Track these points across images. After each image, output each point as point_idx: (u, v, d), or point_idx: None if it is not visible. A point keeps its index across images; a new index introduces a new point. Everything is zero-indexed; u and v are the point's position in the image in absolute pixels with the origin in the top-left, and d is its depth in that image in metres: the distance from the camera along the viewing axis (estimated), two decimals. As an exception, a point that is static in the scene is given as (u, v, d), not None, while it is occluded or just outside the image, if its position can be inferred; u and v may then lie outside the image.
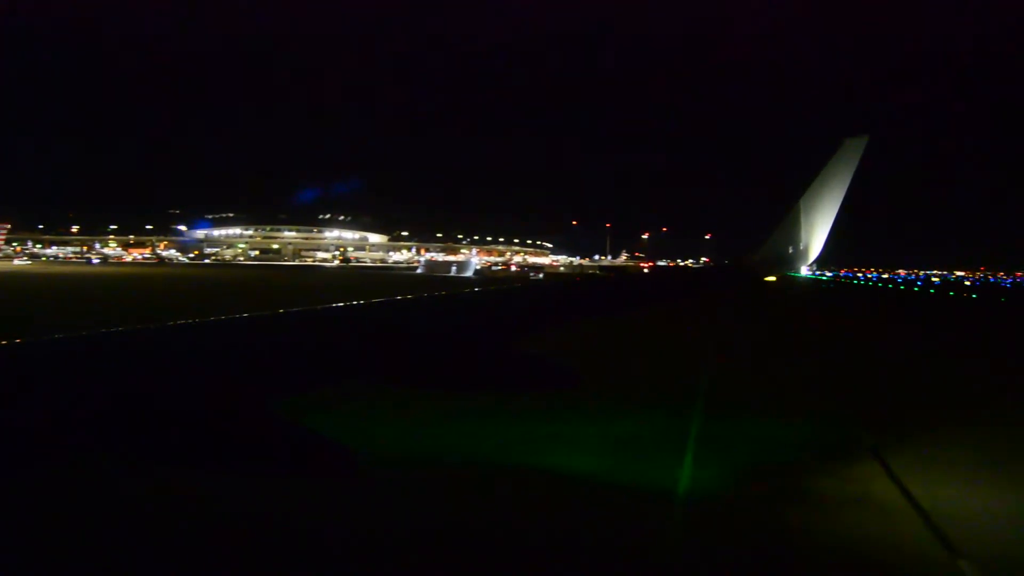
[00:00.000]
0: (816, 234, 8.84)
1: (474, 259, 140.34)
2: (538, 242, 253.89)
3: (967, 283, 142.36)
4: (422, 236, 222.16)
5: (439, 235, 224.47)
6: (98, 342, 3.74)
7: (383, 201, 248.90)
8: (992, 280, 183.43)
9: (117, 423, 3.05)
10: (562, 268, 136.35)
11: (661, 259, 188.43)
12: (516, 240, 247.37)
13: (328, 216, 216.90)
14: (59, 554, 7.89)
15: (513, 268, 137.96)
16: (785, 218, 8.91)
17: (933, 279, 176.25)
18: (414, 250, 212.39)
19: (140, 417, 3.11)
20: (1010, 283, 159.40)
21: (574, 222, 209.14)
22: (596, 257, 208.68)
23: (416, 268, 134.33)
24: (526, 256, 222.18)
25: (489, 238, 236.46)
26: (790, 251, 8.92)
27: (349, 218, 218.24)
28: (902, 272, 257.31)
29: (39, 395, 2.99)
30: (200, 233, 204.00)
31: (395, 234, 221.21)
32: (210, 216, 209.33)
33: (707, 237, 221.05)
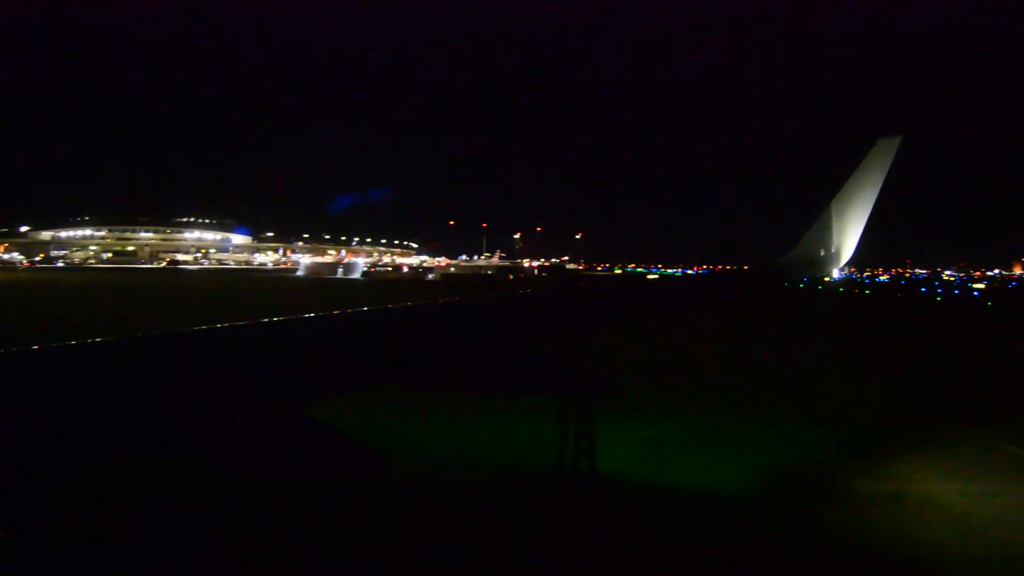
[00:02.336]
0: (848, 236, 8.76)
1: (360, 260, 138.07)
2: (404, 242, 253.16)
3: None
4: (288, 237, 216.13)
5: (305, 236, 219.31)
6: (131, 346, 3.89)
7: (247, 202, 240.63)
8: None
9: (152, 425, 3.16)
10: (452, 269, 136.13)
11: (535, 259, 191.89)
12: (383, 240, 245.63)
13: (192, 219, 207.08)
14: (95, 552, 8.28)
15: (405, 269, 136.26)
16: (816, 220, 8.82)
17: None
18: (280, 251, 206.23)
19: (172, 420, 3.22)
20: None
21: (451, 222, 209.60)
22: (463, 256, 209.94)
23: (295, 270, 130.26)
24: (393, 256, 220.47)
25: (356, 238, 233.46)
26: (821, 254, 8.81)
27: (213, 221, 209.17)
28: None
29: (78, 394, 3.10)
30: (46, 235, 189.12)
31: (260, 235, 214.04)
32: (62, 218, 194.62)
33: (577, 236, 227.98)
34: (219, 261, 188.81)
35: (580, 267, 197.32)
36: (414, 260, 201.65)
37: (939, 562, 8.74)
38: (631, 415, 15.20)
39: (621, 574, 8.30)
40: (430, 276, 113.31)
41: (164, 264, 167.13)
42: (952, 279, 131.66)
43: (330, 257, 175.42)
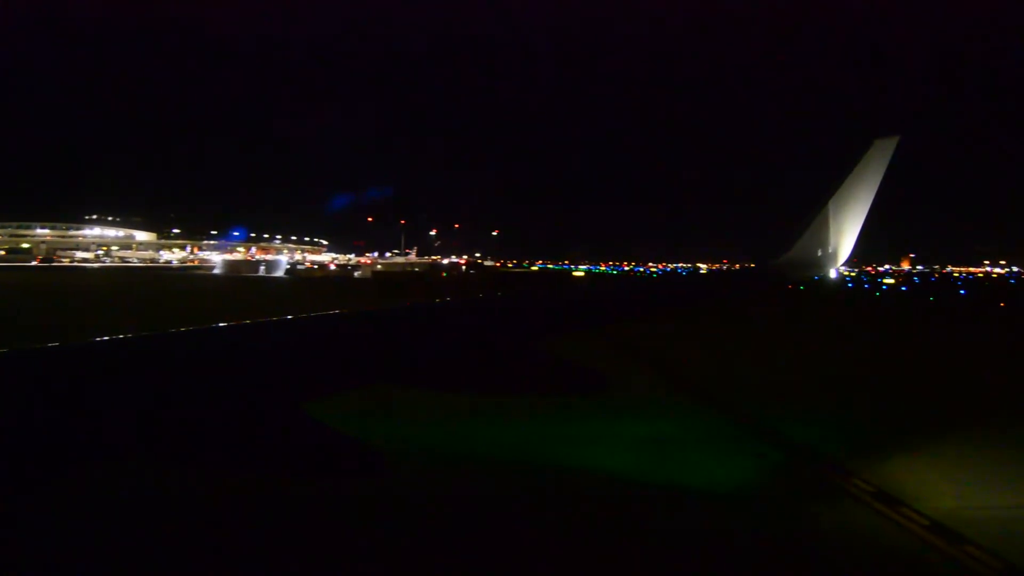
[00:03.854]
0: (846, 236, 8.73)
1: (283, 258, 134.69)
2: (314, 239, 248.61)
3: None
4: (195, 234, 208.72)
5: (213, 232, 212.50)
6: (132, 345, 3.86)
7: (151, 199, 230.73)
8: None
9: (151, 426, 3.13)
10: (379, 266, 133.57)
11: (448, 256, 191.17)
12: (293, 237, 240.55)
13: (94, 216, 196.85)
14: (91, 553, 8.19)
15: (332, 267, 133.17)
16: (814, 220, 8.77)
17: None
18: (188, 249, 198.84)
19: (172, 420, 3.20)
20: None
21: (369, 219, 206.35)
22: (374, 254, 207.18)
23: (212, 268, 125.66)
24: (305, 254, 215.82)
25: (266, 235, 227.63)
26: (819, 254, 8.78)
27: (118, 218, 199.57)
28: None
29: (72, 398, 3.09)
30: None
31: (165, 232, 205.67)
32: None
33: (494, 233, 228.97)
34: (122, 259, 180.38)
35: (496, 264, 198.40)
36: (325, 257, 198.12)
37: (938, 562, 8.78)
38: (629, 414, 15.49)
39: (621, 574, 8.31)
40: (357, 274, 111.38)
41: (36, 262, 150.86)
42: (852, 273, 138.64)
43: (239, 255, 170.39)
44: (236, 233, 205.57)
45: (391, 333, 5.03)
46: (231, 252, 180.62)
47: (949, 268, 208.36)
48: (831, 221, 8.59)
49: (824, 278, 9.27)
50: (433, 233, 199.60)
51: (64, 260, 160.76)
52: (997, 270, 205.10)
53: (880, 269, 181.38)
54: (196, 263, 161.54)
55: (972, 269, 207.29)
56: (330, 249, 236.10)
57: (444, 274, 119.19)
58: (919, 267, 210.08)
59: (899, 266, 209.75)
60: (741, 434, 14.72)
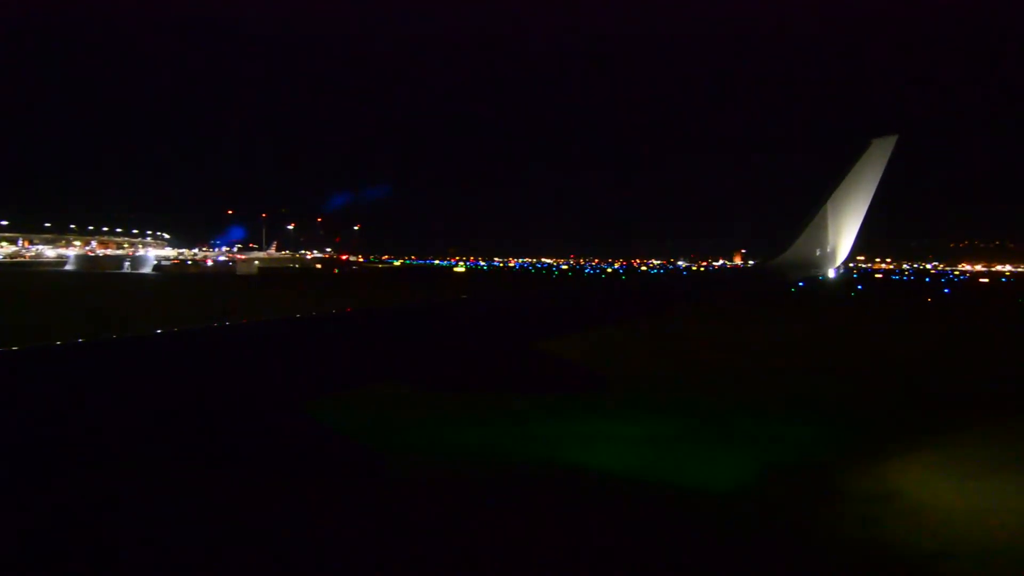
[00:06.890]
0: (844, 235, 8.67)
1: (151, 253, 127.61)
2: (158, 232, 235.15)
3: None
4: (27, 227, 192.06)
5: (48, 225, 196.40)
6: (133, 345, 3.87)
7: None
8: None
9: (145, 426, 3.12)
10: (257, 262, 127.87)
11: (312, 251, 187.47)
12: (135, 231, 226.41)
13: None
14: (92, 553, 8.15)
15: (209, 263, 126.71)
16: (812, 220, 8.69)
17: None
18: (20, 242, 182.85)
19: (166, 421, 3.19)
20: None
21: (229, 211, 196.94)
22: (221, 247, 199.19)
23: (63, 264, 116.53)
24: (148, 248, 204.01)
25: (105, 228, 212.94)
26: (817, 253, 8.69)
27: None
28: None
29: (74, 398, 3.10)
30: None
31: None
32: None
33: (356, 228, 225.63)
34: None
35: (359, 259, 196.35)
36: (169, 252, 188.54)
37: (935, 563, 8.95)
38: (627, 414, 15.92)
39: (622, 574, 8.41)
40: (239, 271, 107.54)
41: None
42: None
43: (76, 248, 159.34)
44: (73, 226, 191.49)
45: (389, 333, 5.04)
46: (67, 246, 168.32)
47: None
48: (830, 220, 8.57)
49: (825, 278, 9.25)
50: (291, 227, 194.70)
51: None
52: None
53: (716, 264, 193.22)
54: (28, 258, 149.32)
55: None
56: (171, 243, 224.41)
57: (336, 271, 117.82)
58: (751, 262, 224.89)
59: (733, 262, 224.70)
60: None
